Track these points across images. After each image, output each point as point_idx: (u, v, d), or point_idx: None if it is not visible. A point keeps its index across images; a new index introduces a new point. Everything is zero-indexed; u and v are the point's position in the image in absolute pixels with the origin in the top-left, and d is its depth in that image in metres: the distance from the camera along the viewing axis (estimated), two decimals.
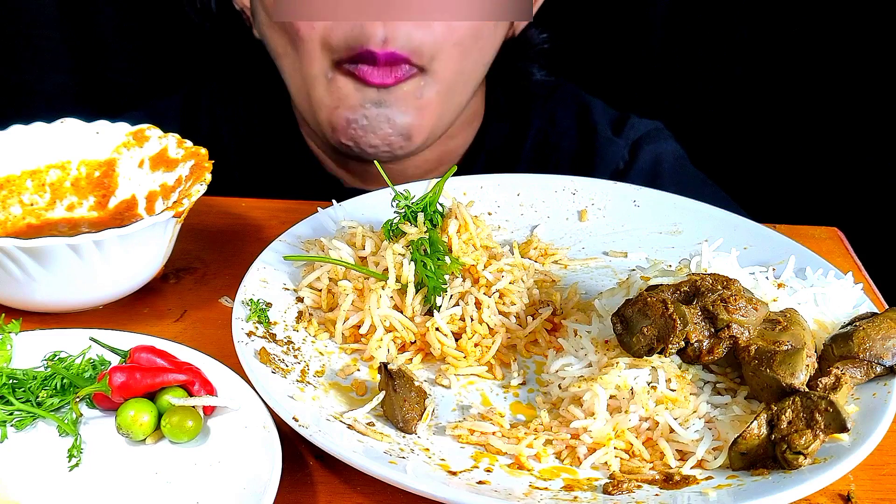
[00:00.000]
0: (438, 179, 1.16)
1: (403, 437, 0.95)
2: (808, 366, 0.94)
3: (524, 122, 1.72)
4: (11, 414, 0.94)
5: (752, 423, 0.90)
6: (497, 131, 1.70)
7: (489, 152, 1.69)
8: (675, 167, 1.69)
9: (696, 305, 0.97)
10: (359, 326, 1.08)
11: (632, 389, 0.96)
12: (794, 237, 1.25)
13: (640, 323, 0.96)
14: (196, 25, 1.75)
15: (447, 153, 1.66)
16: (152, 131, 1.24)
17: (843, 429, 0.89)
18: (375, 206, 1.28)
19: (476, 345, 1.07)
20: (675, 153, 1.72)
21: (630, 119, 1.72)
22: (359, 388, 1.03)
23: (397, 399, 0.96)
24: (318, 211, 1.24)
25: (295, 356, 1.04)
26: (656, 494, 0.89)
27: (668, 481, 0.91)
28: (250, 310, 1.06)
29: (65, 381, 0.97)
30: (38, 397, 0.95)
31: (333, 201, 1.27)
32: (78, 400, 0.95)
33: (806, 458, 0.88)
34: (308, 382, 1.00)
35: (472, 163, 1.67)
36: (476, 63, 1.51)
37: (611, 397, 0.96)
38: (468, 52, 1.47)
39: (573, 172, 1.39)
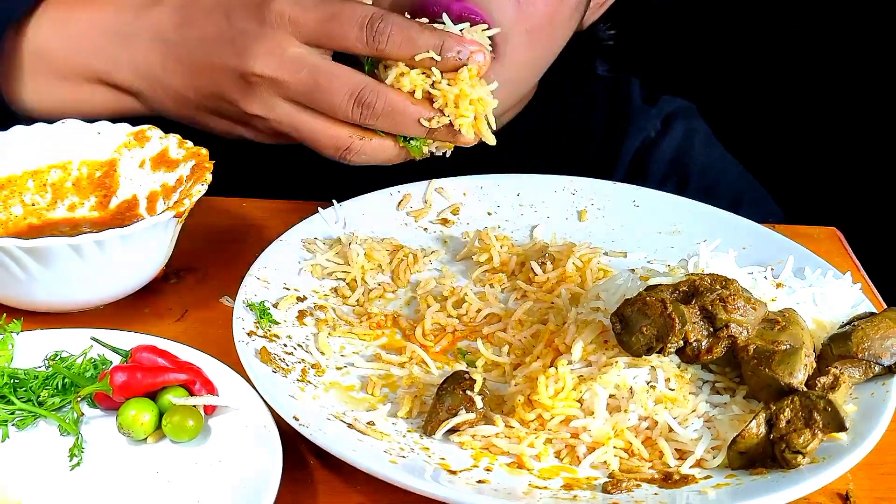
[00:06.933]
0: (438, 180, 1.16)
1: (403, 436, 0.95)
2: (806, 365, 0.94)
3: (555, 94, 1.66)
4: (13, 413, 0.95)
5: (750, 422, 0.91)
6: (530, 104, 1.62)
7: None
8: (707, 144, 1.68)
9: (695, 305, 0.97)
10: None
11: (631, 389, 0.96)
12: (792, 237, 1.25)
13: (639, 322, 0.96)
14: None
15: None
16: (153, 131, 1.24)
17: (841, 428, 0.89)
18: (376, 206, 1.28)
19: None
20: (708, 133, 1.70)
21: (663, 96, 1.71)
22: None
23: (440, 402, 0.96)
24: (318, 211, 1.25)
25: (295, 355, 1.04)
26: (655, 493, 0.89)
27: (667, 480, 0.91)
28: (251, 310, 1.06)
29: (66, 380, 0.97)
30: (39, 397, 0.96)
31: (333, 201, 1.27)
32: (79, 399, 0.95)
33: (804, 458, 0.89)
34: (308, 382, 1.00)
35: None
36: (545, 53, 1.41)
37: (610, 396, 0.96)
38: (538, 41, 1.35)
39: (604, 140, 1.34)
